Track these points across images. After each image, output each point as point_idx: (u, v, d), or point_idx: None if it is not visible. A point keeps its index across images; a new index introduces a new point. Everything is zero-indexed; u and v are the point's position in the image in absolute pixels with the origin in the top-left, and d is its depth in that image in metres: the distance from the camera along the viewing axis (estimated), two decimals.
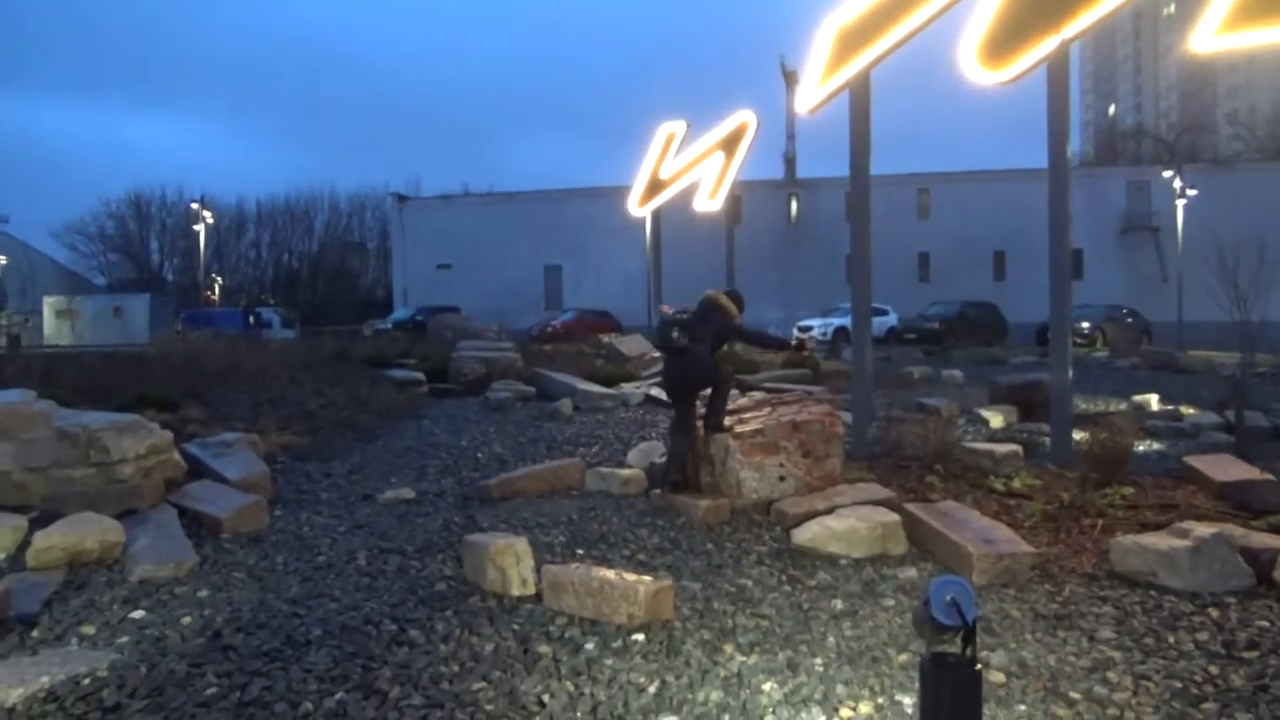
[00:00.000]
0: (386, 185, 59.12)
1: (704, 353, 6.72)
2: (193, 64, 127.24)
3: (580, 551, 5.44)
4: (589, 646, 3.98)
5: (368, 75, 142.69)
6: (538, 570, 4.65)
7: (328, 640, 4.04)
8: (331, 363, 15.37)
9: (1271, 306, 16.43)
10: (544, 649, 3.95)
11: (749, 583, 4.90)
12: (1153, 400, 11.70)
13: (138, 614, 4.41)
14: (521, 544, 4.76)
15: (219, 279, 59.90)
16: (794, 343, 6.87)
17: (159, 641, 4.07)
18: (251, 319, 41.28)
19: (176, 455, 6.84)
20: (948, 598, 2.41)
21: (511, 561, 4.64)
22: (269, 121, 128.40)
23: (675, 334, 6.61)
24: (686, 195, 19.44)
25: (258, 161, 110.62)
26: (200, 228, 48.43)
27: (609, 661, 3.83)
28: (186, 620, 4.32)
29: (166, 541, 5.42)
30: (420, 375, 13.81)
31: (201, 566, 5.15)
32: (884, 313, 31.17)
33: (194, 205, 49.65)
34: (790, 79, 39.98)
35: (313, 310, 53.80)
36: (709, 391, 6.72)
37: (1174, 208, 36.81)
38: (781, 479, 6.39)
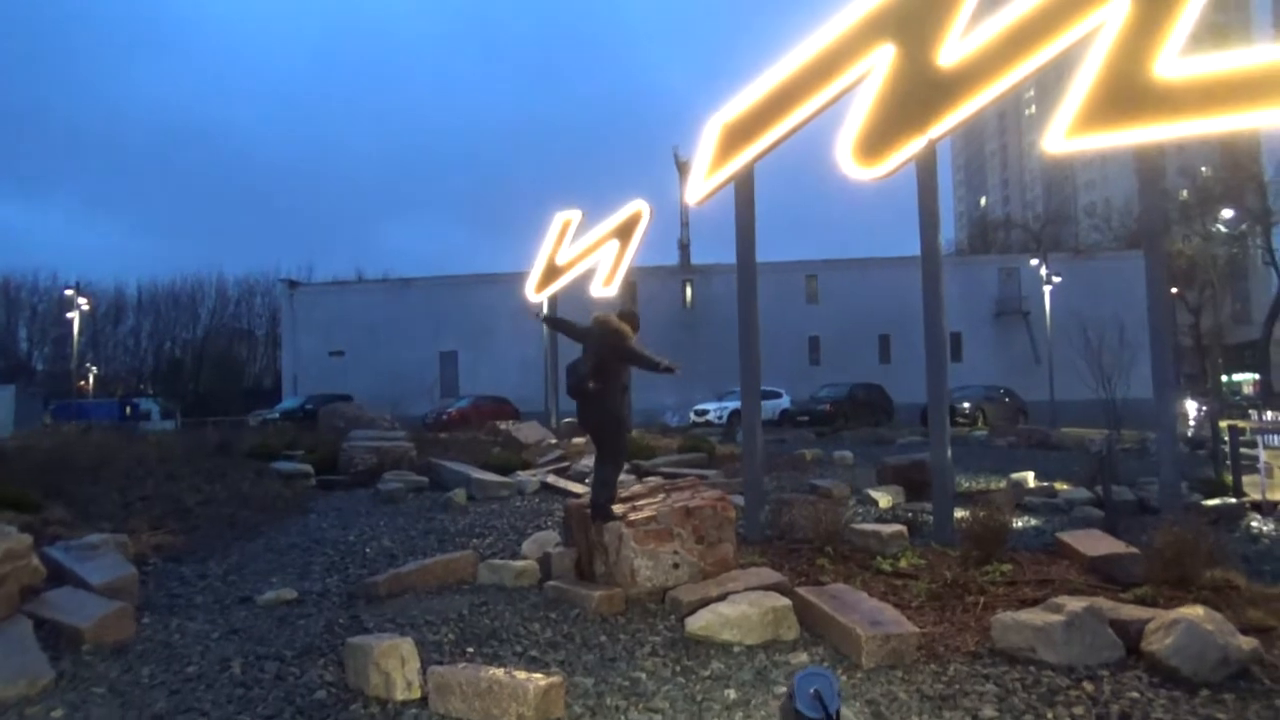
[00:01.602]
0: (278, 271, 58.05)
1: (614, 393, 6.91)
2: (75, 149, 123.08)
3: (470, 649, 5.28)
4: None
5: (258, 162, 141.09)
6: (424, 672, 4.49)
7: None
8: (213, 455, 14.72)
9: (1134, 384, 17.57)
10: None
11: (643, 675, 4.83)
12: (1029, 477, 12.21)
13: None
14: (407, 644, 4.59)
15: (93, 368, 57.04)
16: (663, 366, 7.06)
17: None
18: (128, 410, 39.36)
19: (35, 560, 6.36)
20: (811, 690, 2.44)
21: (396, 664, 4.47)
22: (154, 208, 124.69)
23: (591, 385, 6.78)
24: (583, 281, 19.66)
25: (141, 247, 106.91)
26: (74, 314, 46.24)
27: None
28: None
29: (19, 656, 5.01)
30: (308, 467, 13.34)
31: (58, 683, 4.78)
32: (777, 395, 31.93)
33: (68, 291, 47.48)
34: (683, 169, 41.30)
35: (196, 400, 51.73)
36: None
37: (1042, 293, 39.20)
38: (676, 566, 6.37)
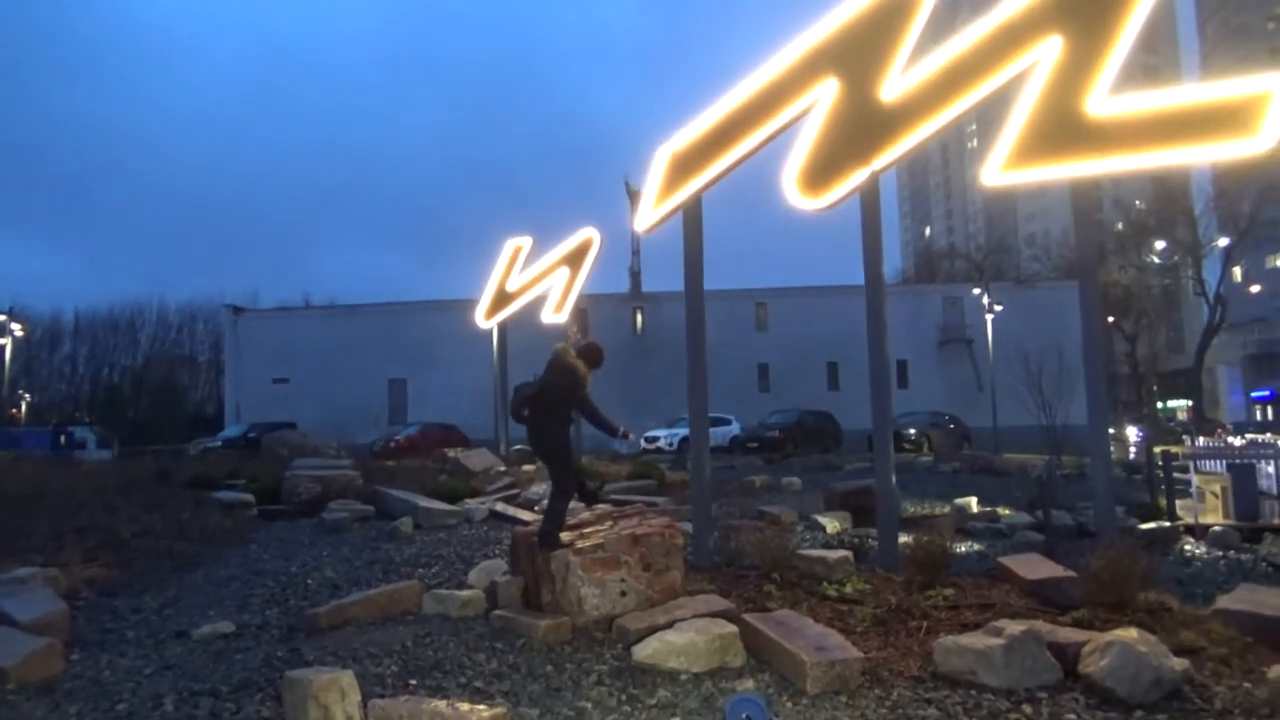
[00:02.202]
0: (222, 297, 57.00)
1: (554, 424, 6.91)
2: (10, 170, 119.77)
3: (414, 681, 5.19)
4: None
5: (202, 189, 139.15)
6: (365, 705, 4.40)
7: None
8: (151, 485, 14.36)
9: (1073, 411, 17.99)
10: None
11: (588, 705, 4.79)
12: (973, 502, 12.41)
13: None
14: (347, 678, 4.50)
15: (26, 395, 55.28)
16: (620, 433, 7.09)
17: None
18: (62, 438, 38.13)
19: None
20: (743, 716, 2.46)
21: (336, 698, 4.38)
22: (97, 233, 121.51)
23: (525, 412, 6.87)
24: (533, 307, 19.65)
25: (81, 273, 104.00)
26: (6, 341, 44.83)
27: None
28: None
29: None
30: (250, 497, 13.06)
31: None
32: (727, 422, 32.05)
33: (0, 316, 46.04)
34: (634, 197, 41.44)
35: (135, 428, 50.32)
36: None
37: (984, 321, 40.04)
38: (623, 594, 6.35)
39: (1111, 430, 17.76)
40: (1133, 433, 29.13)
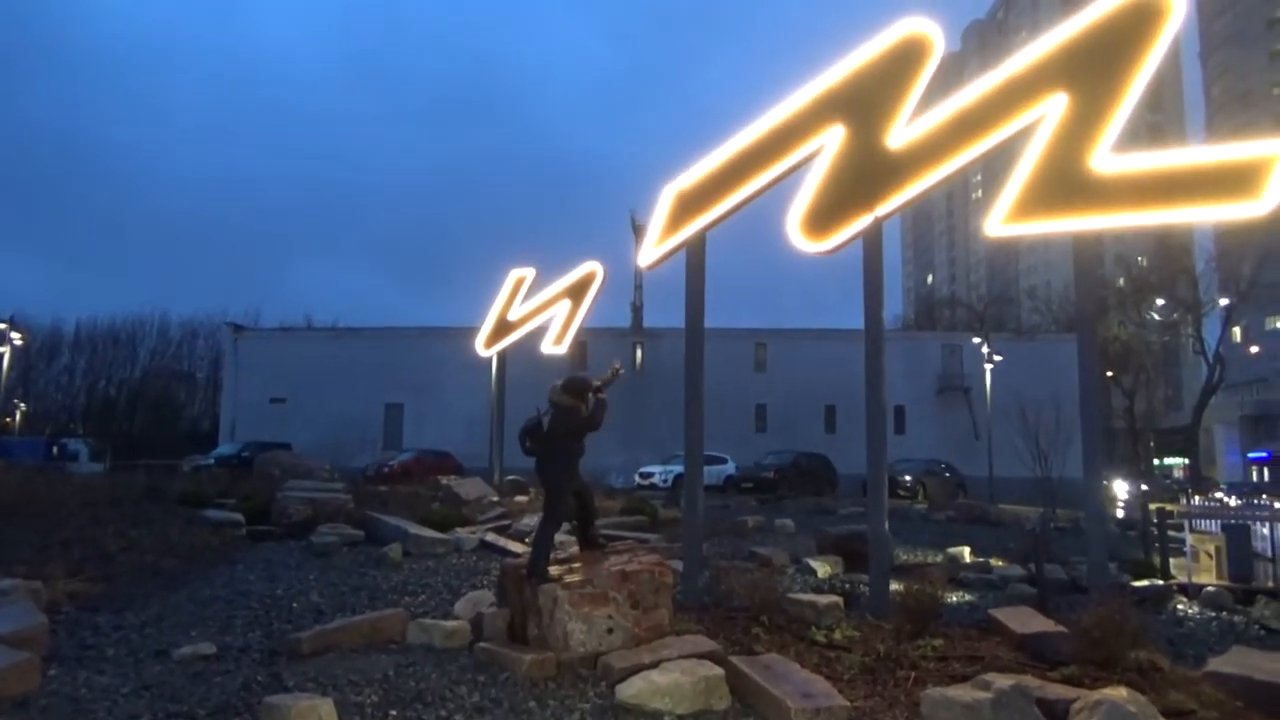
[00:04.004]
0: (224, 314, 57.06)
1: (556, 456, 6.93)
2: (17, 181, 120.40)
3: (394, 712, 5.12)
4: None
5: (209, 208, 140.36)
6: None
7: None
8: (141, 500, 14.25)
9: (1069, 464, 17.94)
10: None
11: None
12: (966, 552, 12.34)
13: None
14: (326, 706, 4.45)
15: (21, 404, 55.13)
16: (603, 379, 7.26)
17: None
18: (55, 449, 37.94)
19: None
20: None
21: None
22: (103, 247, 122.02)
23: (528, 444, 6.99)
24: (533, 338, 19.67)
25: (84, 285, 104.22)
26: (5, 349, 44.76)
27: None
28: None
29: None
30: (239, 516, 12.95)
31: None
32: (722, 461, 31.94)
33: (1, 325, 46.00)
34: (639, 232, 41.67)
35: (129, 443, 50.08)
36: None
37: (983, 371, 40.03)
38: (610, 631, 6.29)
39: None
40: (1122, 489, 28.99)
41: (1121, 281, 61.97)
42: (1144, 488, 26.08)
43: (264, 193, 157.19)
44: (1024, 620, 7.14)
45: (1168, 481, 50.48)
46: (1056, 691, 5.31)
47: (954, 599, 9.04)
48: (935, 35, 8.20)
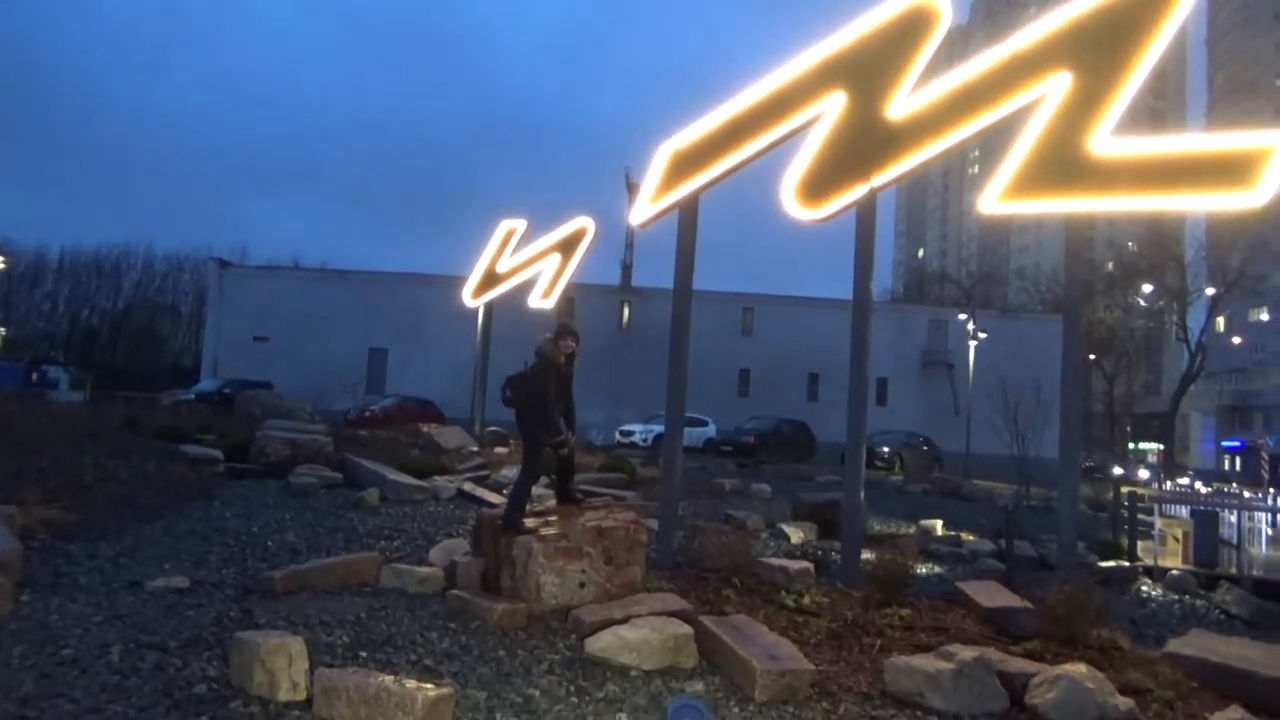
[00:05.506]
0: (210, 249, 56.43)
1: (536, 408, 6.95)
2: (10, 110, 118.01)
3: (364, 654, 5.16)
4: None
5: (200, 141, 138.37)
6: (312, 673, 4.37)
7: None
8: (120, 432, 14.22)
9: (1045, 444, 18.10)
10: None
11: (536, 693, 4.78)
12: (938, 525, 12.48)
13: None
14: (297, 644, 4.47)
15: (2, 329, 54.62)
16: (558, 440, 7.16)
17: None
18: (34, 376, 37.70)
19: None
20: None
21: (283, 663, 4.35)
22: (91, 175, 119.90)
23: (508, 393, 7.04)
24: (521, 291, 19.59)
25: (72, 213, 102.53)
26: None
27: None
28: None
29: None
30: (218, 453, 12.94)
31: None
32: (703, 423, 32.08)
33: None
34: (633, 190, 41.33)
35: (110, 373, 49.73)
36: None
37: (967, 348, 40.22)
38: (582, 585, 6.35)
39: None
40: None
41: (1110, 265, 62.24)
42: (1118, 471, 26.41)
43: (242, 124, 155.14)
44: (991, 594, 7.25)
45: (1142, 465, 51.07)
46: (1018, 665, 5.41)
47: (924, 570, 9.16)
48: (943, 6, 8.09)
